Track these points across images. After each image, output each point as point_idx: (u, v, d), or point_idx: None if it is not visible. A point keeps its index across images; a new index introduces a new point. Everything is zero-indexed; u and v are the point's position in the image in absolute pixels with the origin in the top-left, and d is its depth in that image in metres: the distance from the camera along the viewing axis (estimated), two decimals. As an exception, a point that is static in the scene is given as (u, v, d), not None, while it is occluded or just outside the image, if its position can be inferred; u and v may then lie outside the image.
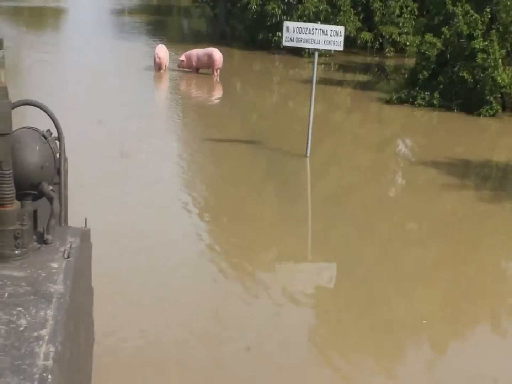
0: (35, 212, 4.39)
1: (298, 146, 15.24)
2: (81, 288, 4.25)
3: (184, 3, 55.68)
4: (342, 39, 14.01)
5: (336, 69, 27.42)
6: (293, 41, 14.04)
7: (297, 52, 29.25)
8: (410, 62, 29.63)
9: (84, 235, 4.60)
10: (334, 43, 13.99)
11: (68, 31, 37.02)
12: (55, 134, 4.69)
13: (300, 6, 28.71)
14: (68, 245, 4.23)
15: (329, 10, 28.88)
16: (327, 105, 21.24)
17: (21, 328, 3.31)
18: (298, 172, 14.24)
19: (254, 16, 29.86)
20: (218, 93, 22.90)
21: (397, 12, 29.39)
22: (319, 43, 13.99)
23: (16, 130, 4.43)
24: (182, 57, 23.86)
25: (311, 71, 28.15)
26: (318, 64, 29.10)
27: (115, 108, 18.47)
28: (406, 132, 19.14)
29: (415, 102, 20.06)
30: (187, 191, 12.70)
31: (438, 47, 19.89)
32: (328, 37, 13.93)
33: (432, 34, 20.14)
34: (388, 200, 13.13)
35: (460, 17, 19.81)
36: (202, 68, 23.91)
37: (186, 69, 23.95)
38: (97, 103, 18.73)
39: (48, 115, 4.73)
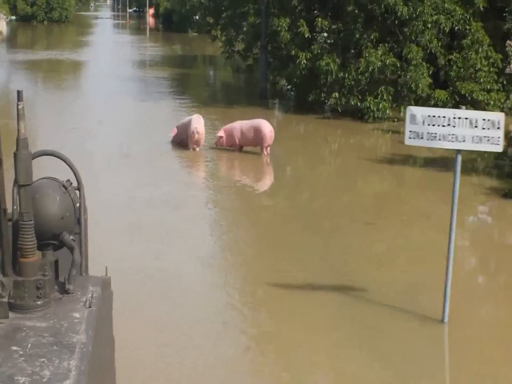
0: (56, 262, 4.28)
1: (416, 295, 9.83)
2: (103, 337, 4.05)
3: (209, 52, 51.13)
4: (501, 133, 8.58)
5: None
6: (422, 138, 8.63)
7: (355, 115, 24.00)
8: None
9: (105, 284, 4.33)
10: (488, 140, 8.56)
11: (86, 90, 32.06)
12: (74, 184, 4.39)
13: (362, 60, 23.31)
14: (90, 295, 4.07)
15: (398, 64, 23.56)
16: (425, 201, 15.71)
17: (44, 379, 3.20)
18: (434, 356, 8.66)
19: (303, 73, 24.55)
20: (270, 181, 17.50)
21: (479, 65, 23.97)
22: (464, 140, 8.58)
23: (36, 180, 4.20)
24: (221, 133, 18.53)
25: (377, 141, 23.41)
26: (381, 131, 24.18)
27: (137, 213, 13.24)
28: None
29: (547, 196, 14.62)
30: None
31: None
32: (479, 130, 8.52)
33: None
34: None
35: None
36: (247, 146, 18.61)
37: (227, 147, 18.70)
38: (110, 203, 13.56)
39: (68, 165, 4.53)
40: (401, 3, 23.40)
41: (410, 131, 8.66)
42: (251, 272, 10.95)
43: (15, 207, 4.21)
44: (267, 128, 18.03)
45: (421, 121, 8.56)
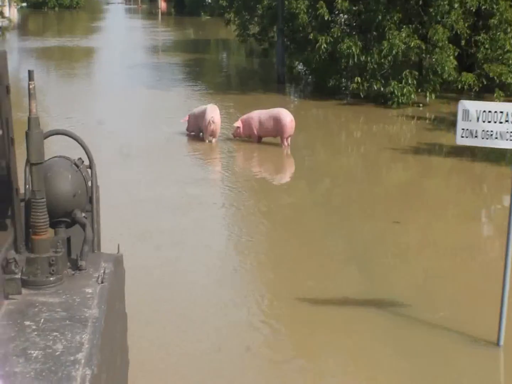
0: (68, 239, 4.43)
1: (467, 313, 8.73)
2: (115, 312, 4.19)
3: (222, 36, 49.94)
4: None
5: (435, 125, 20.74)
6: (476, 136, 7.48)
7: (378, 100, 22.83)
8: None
9: (117, 260, 4.49)
10: (551, 137, 7.41)
11: (97, 77, 31.00)
12: (86, 162, 4.55)
13: (385, 43, 22.03)
14: (102, 271, 4.20)
15: (423, 46, 22.32)
16: (454, 193, 14.60)
17: (57, 353, 3.31)
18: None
19: (323, 57, 23.32)
20: (291, 176, 16.25)
21: (507, 46, 22.67)
22: (525, 138, 7.44)
23: (48, 159, 4.37)
24: (238, 123, 17.38)
25: (401, 128, 22.10)
26: (405, 117, 22.83)
27: (148, 215, 12.21)
28: None
29: None
30: None
31: None
32: (541, 126, 7.37)
33: None
34: None
35: None
36: (266, 136, 17.48)
37: (245, 138, 17.58)
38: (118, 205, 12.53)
39: (79, 143, 4.66)
40: (426, -18, 22.20)
41: (463, 129, 7.50)
42: (269, 279, 9.89)
43: (27, 186, 4.21)
44: (287, 118, 16.88)
45: (475, 117, 7.42)
